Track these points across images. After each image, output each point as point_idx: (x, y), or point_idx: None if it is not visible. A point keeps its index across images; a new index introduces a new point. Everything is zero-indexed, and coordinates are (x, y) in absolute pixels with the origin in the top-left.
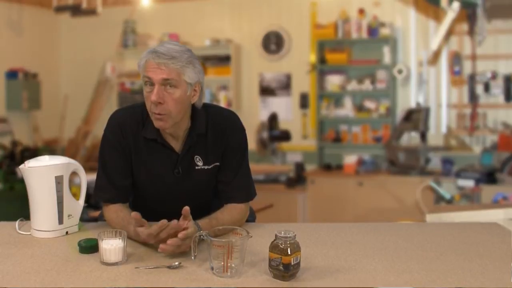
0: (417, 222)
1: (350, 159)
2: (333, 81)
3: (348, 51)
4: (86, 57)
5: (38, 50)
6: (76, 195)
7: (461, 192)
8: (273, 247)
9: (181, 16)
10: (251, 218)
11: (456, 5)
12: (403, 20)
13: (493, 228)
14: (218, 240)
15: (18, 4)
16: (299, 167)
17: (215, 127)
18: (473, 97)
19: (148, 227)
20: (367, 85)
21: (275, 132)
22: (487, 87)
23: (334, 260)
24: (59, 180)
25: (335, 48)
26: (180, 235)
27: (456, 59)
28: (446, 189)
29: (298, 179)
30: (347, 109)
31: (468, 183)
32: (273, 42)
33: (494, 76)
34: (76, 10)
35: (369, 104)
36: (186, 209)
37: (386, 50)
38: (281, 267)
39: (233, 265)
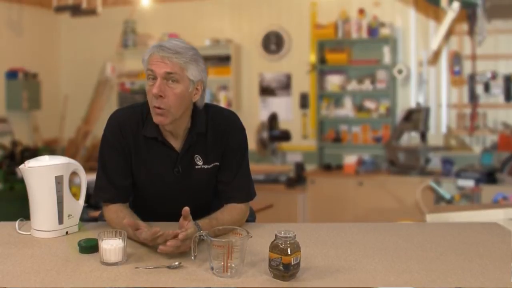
0: (417, 222)
1: (350, 159)
2: (333, 81)
3: (348, 51)
4: (86, 57)
5: (38, 50)
6: (76, 195)
7: (461, 192)
8: (273, 247)
9: (181, 16)
10: (251, 218)
11: (456, 5)
12: (403, 20)
13: (493, 228)
14: (218, 240)
15: (18, 4)
16: (299, 167)
17: (215, 127)
18: (473, 97)
19: (148, 227)
20: (367, 85)
21: (275, 132)
22: (487, 87)
23: (334, 260)
24: (59, 180)
25: (335, 48)
26: (180, 236)
27: (456, 59)
28: (446, 189)
29: (298, 179)
30: (347, 109)
31: (468, 183)
32: (273, 42)
33: (494, 76)
34: (76, 10)
35: (369, 104)
36: (186, 209)
37: (386, 50)
38: (281, 267)
39: (233, 265)
